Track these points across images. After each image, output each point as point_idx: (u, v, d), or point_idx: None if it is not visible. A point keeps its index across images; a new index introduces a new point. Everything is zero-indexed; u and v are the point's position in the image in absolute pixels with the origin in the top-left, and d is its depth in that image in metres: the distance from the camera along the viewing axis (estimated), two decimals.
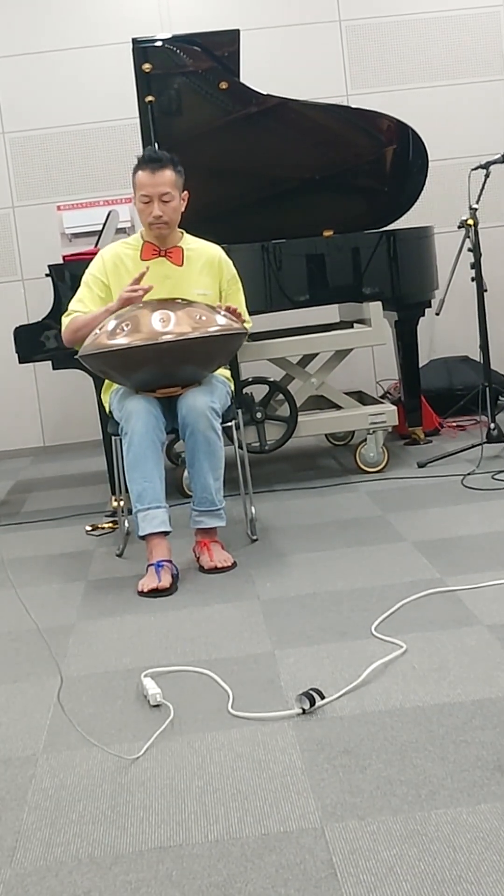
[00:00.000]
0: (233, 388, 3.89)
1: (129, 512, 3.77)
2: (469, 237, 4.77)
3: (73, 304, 3.83)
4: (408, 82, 6.53)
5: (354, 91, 6.48)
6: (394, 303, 5.09)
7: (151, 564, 3.44)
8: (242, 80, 4.83)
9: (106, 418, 4.01)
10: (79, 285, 3.90)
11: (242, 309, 3.84)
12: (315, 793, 1.99)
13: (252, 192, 5.10)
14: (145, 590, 3.36)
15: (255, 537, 3.90)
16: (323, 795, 1.98)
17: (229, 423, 3.75)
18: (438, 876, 1.68)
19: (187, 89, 4.81)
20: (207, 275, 3.84)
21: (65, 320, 3.81)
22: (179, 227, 3.87)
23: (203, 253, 3.87)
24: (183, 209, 3.79)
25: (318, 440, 5.83)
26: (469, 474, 4.51)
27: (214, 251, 3.89)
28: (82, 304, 3.80)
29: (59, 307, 4.56)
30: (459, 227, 4.80)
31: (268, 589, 3.30)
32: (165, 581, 3.37)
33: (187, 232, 3.92)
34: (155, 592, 3.34)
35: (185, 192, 3.79)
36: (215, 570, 3.54)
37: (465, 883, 1.65)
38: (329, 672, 2.58)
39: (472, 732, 2.17)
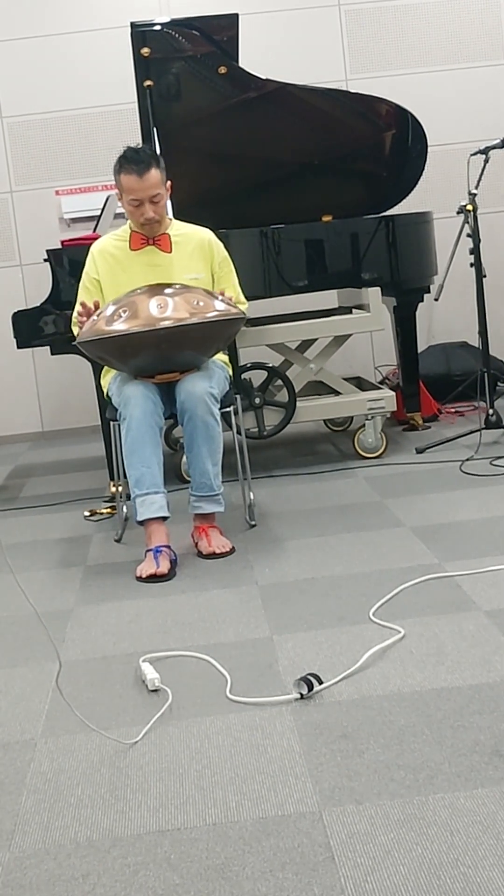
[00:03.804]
0: (231, 373, 3.89)
1: (128, 497, 3.77)
2: (468, 223, 4.76)
3: (77, 307, 3.84)
4: (407, 67, 6.50)
5: (354, 76, 6.46)
6: (392, 288, 5.08)
7: (150, 550, 3.45)
8: (241, 64, 4.81)
9: (104, 403, 4.01)
10: (76, 270, 3.92)
11: (237, 290, 3.86)
12: (313, 777, 2.00)
13: (251, 177, 5.08)
14: (144, 575, 3.37)
15: (253, 523, 3.91)
16: (321, 780, 1.99)
17: (228, 409, 3.75)
18: (435, 860, 1.68)
19: (186, 74, 4.78)
20: (199, 259, 3.83)
21: (74, 329, 3.80)
22: (178, 212, 3.86)
23: (192, 237, 3.86)
24: (168, 198, 3.80)
25: (316, 426, 5.82)
26: (467, 460, 4.51)
27: (204, 234, 3.88)
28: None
29: (58, 292, 4.56)
30: (458, 213, 4.78)
31: (266, 574, 3.30)
32: (164, 567, 3.37)
33: (186, 216, 3.92)
34: (153, 578, 3.35)
35: (169, 182, 3.78)
36: (213, 555, 3.54)
37: (462, 867, 1.66)
38: (327, 657, 2.58)
39: (469, 717, 2.17)
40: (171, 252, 3.81)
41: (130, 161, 3.65)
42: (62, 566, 3.64)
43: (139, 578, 3.38)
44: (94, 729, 2.27)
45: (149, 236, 3.81)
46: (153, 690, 2.48)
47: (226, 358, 3.95)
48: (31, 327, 4.57)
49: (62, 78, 6.37)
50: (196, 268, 3.81)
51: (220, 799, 1.96)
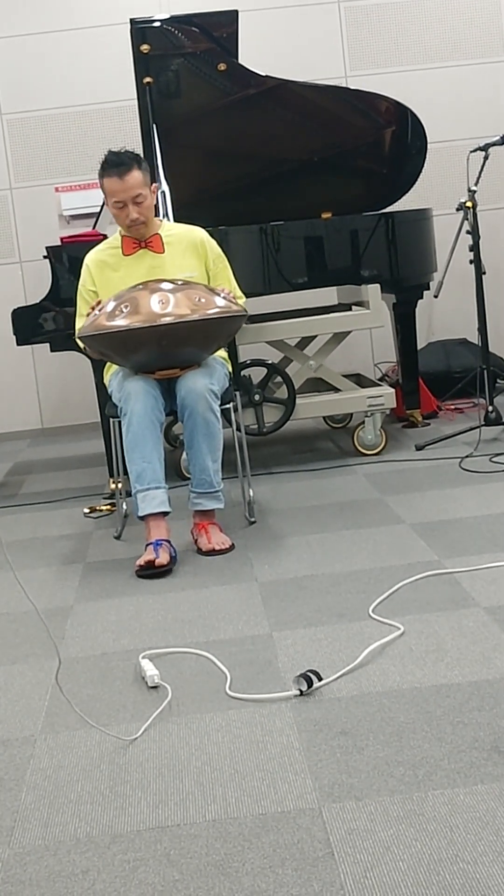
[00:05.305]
0: (231, 369, 3.89)
1: (128, 494, 3.78)
2: (467, 219, 4.76)
3: (78, 322, 3.87)
4: (407, 64, 6.50)
5: (353, 72, 6.45)
6: (392, 285, 5.07)
7: (150, 543, 3.45)
8: (241, 61, 4.81)
9: (104, 400, 4.01)
10: (76, 267, 3.92)
11: (234, 286, 3.87)
12: (312, 773, 2.00)
13: (250, 174, 5.08)
14: (142, 563, 3.37)
15: (253, 519, 3.91)
16: (320, 776, 1.99)
17: (228, 406, 3.75)
18: (435, 856, 1.69)
19: (186, 71, 4.78)
20: (192, 257, 3.84)
21: (79, 342, 3.80)
22: (178, 209, 3.87)
23: (184, 237, 3.86)
24: (155, 201, 3.80)
25: (316, 423, 5.82)
26: (467, 457, 4.51)
27: (196, 233, 3.89)
28: (83, 318, 3.83)
29: (57, 289, 4.56)
30: (458, 210, 4.78)
31: (266, 571, 3.30)
32: (163, 557, 3.37)
33: (185, 213, 3.92)
34: (151, 567, 3.34)
35: (155, 185, 3.79)
36: (213, 552, 3.54)
37: (462, 863, 1.66)
38: (327, 654, 2.59)
39: (468, 714, 2.18)
40: (163, 252, 3.81)
41: (111, 164, 3.68)
42: (62, 563, 3.64)
43: (139, 568, 3.37)
44: (94, 725, 2.27)
45: (139, 239, 3.82)
46: (153, 687, 2.48)
47: (225, 354, 3.95)
48: (30, 324, 4.57)
49: (62, 75, 6.37)
50: (189, 266, 3.81)
51: (219, 795, 1.96)
